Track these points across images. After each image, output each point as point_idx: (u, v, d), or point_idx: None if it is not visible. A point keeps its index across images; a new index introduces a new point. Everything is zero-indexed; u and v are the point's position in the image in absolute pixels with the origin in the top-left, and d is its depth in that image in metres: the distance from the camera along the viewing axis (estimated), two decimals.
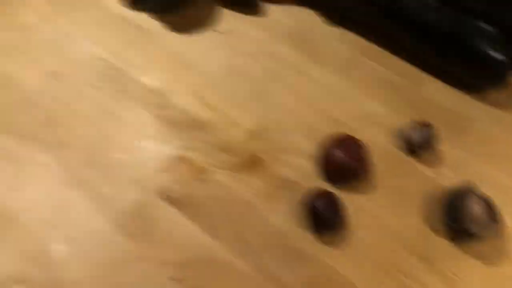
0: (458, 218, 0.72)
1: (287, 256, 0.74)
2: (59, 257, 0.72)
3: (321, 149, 0.82)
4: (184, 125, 0.86)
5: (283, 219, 0.77)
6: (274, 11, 1.00)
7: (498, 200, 0.74)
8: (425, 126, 0.82)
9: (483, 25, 0.83)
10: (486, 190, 0.74)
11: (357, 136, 0.81)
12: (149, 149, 0.82)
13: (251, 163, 0.82)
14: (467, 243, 0.74)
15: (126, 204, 0.77)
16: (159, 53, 0.95)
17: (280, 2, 1.02)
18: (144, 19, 0.98)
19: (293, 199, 0.78)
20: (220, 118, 0.87)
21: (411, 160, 0.83)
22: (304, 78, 0.92)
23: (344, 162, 0.78)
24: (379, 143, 0.84)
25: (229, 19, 0.99)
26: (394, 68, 0.93)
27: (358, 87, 0.91)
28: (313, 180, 0.80)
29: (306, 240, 0.75)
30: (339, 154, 0.78)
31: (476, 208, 0.71)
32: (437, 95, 0.91)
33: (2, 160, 0.80)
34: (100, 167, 0.80)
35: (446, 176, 0.81)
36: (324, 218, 0.74)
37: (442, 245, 0.75)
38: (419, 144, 0.81)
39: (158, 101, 0.88)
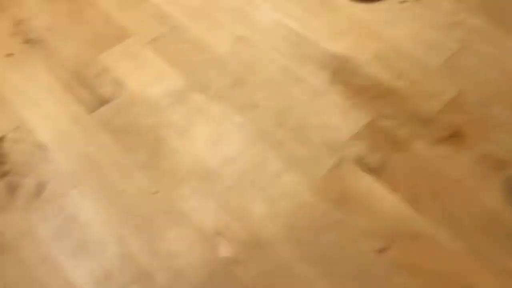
0: None
1: (505, 240, 0.67)
2: (258, 215, 0.71)
3: None
4: (374, 93, 0.82)
5: (496, 200, 0.70)
6: None
7: None
8: None
9: None
10: None
11: None
12: (340, 115, 0.79)
13: (453, 136, 0.76)
14: None
15: (321, 168, 0.75)
16: (342, 21, 0.92)
17: None
18: None
19: (503, 178, 0.71)
20: (413, 88, 0.82)
21: None
22: (500, 49, 0.84)
23: None
24: None
25: None
26: None
27: None
28: None
29: None
30: None
31: None
32: None
33: (199, 117, 0.82)
34: (292, 130, 0.79)
35: None
36: None
37: None
38: None
39: (344, 68, 0.85)
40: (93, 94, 0.85)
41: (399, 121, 0.79)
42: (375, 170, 0.74)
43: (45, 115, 0.82)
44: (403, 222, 0.69)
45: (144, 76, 0.88)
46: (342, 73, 0.84)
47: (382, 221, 0.70)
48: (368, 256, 0.66)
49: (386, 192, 0.72)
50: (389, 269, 0.65)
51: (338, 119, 0.80)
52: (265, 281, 0.64)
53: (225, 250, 0.67)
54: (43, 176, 0.75)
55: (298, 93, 0.83)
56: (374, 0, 0.92)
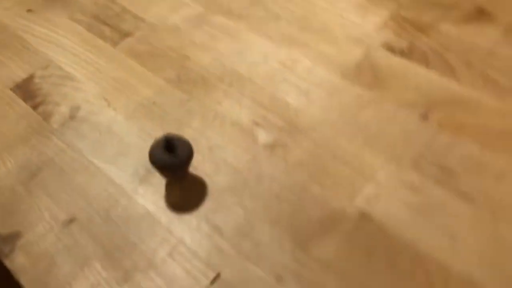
0: None
1: None
2: (293, 104, 0.70)
3: None
4: None
5: None
6: None
7: None
8: None
9: None
10: None
11: None
12: (361, 13, 0.79)
13: (478, 15, 0.76)
14: None
15: (351, 58, 0.75)
16: None
17: None
18: None
19: None
20: None
21: None
22: None
23: None
24: None
25: None
26: None
27: None
28: None
29: None
30: None
31: None
32: None
33: (222, 35, 0.82)
34: (317, 31, 0.79)
35: None
36: None
37: None
38: None
39: None
40: (115, 31, 0.86)
41: (421, 9, 0.78)
42: (405, 52, 0.73)
43: (71, 53, 0.83)
44: (441, 90, 0.68)
45: (162, 9, 0.89)
46: None
47: (419, 93, 0.69)
48: (410, 123, 0.65)
49: (419, 69, 0.71)
50: (433, 131, 0.64)
51: (360, 17, 0.79)
52: (307, 158, 0.63)
53: (264, 137, 0.67)
54: (75, 102, 0.75)
55: (317, 0, 0.83)
56: None
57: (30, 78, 0.79)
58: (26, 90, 0.77)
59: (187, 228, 0.59)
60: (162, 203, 0.62)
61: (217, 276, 0.55)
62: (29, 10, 0.93)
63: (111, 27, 0.87)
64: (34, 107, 0.75)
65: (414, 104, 0.67)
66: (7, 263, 0.58)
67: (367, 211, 0.58)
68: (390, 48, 0.74)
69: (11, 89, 0.78)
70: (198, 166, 0.64)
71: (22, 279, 0.57)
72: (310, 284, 0.53)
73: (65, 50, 0.84)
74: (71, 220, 0.61)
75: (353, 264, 0.54)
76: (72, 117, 0.73)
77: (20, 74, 0.80)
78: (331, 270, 0.53)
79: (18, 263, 0.58)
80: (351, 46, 0.76)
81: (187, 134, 0.68)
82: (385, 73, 0.72)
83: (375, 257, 0.54)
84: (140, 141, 0.69)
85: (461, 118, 0.65)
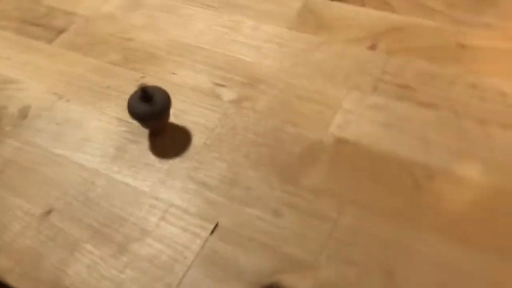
0: None
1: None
2: (249, 61, 0.72)
3: None
4: None
5: None
6: None
7: None
8: None
9: None
10: None
11: None
12: None
13: None
14: None
15: (292, 10, 0.77)
16: None
17: None
18: None
19: None
20: None
21: None
22: None
23: None
24: None
25: None
26: None
27: None
28: None
29: None
30: None
31: None
32: None
33: (161, 14, 0.82)
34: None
35: None
36: None
37: None
38: None
39: None
40: (47, 29, 0.83)
41: None
42: None
43: (4, 58, 0.79)
44: (382, 22, 0.73)
45: (92, 1, 0.87)
46: None
47: (363, 29, 0.72)
48: (361, 55, 0.69)
49: (357, 9, 0.75)
50: (384, 57, 0.68)
51: None
52: (274, 105, 0.64)
53: (228, 95, 0.67)
54: (24, 102, 0.72)
55: None
56: None
57: None
58: None
59: (173, 191, 0.58)
60: (141, 174, 0.60)
61: (216, 226, 0.55)
62: None
63: (42, 26, 0.84)
64: None
65: (360, 39, 0.71)
66: None
67: (342, 136, 0.60)
68: None
69: None
70: (171, 133, 0.64)
71: (10, 280, 0.54)
72: (306, 211, 0.54)
73: None
74: (48, 212, 0.58)
75: (342, 185, 0.55)
76: (23, 117, 0.70)
77: None
78: (322, 194, 0.55)
79: (1, 266, 0.54)
80: (289, 1, 0.78)
81: None
82: (327, 17, 0.75)
83: (360, 173, 0.56)
84: (102, 124, 0.67)
85: (405, 43, 0.69)
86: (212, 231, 0.54)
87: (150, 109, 0.58)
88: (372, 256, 0.49)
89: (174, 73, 0.72)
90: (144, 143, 0.63)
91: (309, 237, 0.52)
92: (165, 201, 0.57)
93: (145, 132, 0.65)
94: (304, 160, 0.59)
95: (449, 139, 0.58)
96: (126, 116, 0.67)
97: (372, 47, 0.70)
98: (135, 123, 0.66)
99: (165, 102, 0.59)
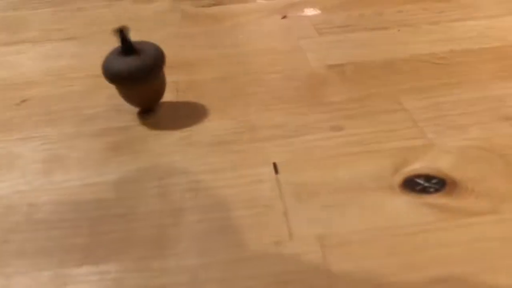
0: None
1: None
2: None
3: None
4: None
5: None
6: None
7: None
8: None
9: None
10: None
11: None
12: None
13: None
14: None
15: None
16: None
17: None
18: None
19: None
20: None
21: None
22: None
23: None
24: None
25: None
26: None
27: None
28: None
29: None
30: None
31: None
32: None
33: None
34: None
35: None
36: None
37: None
38: None
39: None
40: None
41: None
42: None
43: None
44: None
45: None
46: None
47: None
48: (282, 22, 0.64)
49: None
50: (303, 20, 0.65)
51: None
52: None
53: None
54: None
55: None
56: None
57: None
58: None
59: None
60: (136, 163, 0.39)
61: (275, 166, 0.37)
62: None
63: None
64: None
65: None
66: None
67: (332, 63, 0.52)
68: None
69: None
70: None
71: None
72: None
73: None
74: None
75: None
76: None
77: None
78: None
79: None
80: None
81: None
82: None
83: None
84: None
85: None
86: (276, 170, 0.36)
87: (135, 63, 0.41)
88: None
89: None
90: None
91: None
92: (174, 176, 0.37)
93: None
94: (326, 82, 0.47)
95: None
96: None
97: (284, 17, 0.66)
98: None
99: (155, 53, 0.43)
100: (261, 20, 0.66)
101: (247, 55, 0.56)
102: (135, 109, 0.47)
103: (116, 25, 0.68)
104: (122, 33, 0.41)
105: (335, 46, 0.56)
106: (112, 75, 0.42)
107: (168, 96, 0.49)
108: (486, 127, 0.40)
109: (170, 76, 0.53)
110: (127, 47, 0.42)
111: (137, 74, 0.41)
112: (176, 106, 0.47)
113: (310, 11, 0.68)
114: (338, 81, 0.49)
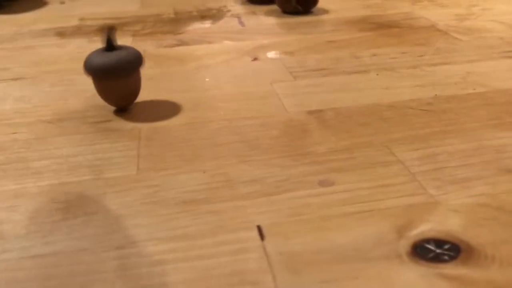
0: None
1: None
2: None
3: None
4: None
5: None
6: None
7: None
8: None
9: None
10: None
11: None
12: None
13: None
14: None
15: None
16: None
17: None
18: None
19: None
20: None
21: None
22: None
23: None
24: None
25: None
26: None
27: None
28: None
29: None
30: None
31: None
32: None
33: None
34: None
35: None
36: None
37: None
38: None
39: None
40: None
41: None
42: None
43: None
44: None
45: None
46: None
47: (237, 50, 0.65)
48: (254, 64, 0.60)
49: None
50: (275, 61, 0.61)
51: None
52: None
53: None
54: None
55: None
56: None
57: None
58: None
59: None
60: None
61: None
62: None
63: None
64: None
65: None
66: None
67: (308, 109, 0.48)
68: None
69: None
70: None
71: None
72: None
73: None
74: None
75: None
76: None
77: None
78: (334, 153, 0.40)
79: None
80: None
81: None
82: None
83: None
84: None
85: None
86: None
87: (116, 57, 0.45)
88: None
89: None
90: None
91: None
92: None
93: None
94: (297, 136, 0.43)
95: None
96: None
97: (255, 59, 0.62)
98: None
99: (135, 52, 0.47)
100: (230, 62, 0.62)
101: (217, 99, 0.51)
102: (91, 161, 0.40)
103: (69, 65, 0.63)
104: (109, 31, 0.46)
105: (312, 91, 0.52)
106: (95, 68, 0.45)
107: (129, 144, 0.43)
108: (489, 181, 0.36)
109: (132, 122, 0.47)
110: (110, 44, 0.46)
111: (119, 66, 0.45)
112: (139, 156, 0.41)
113: (281, 54, 0.64)
114: (320, 129, 0.44)
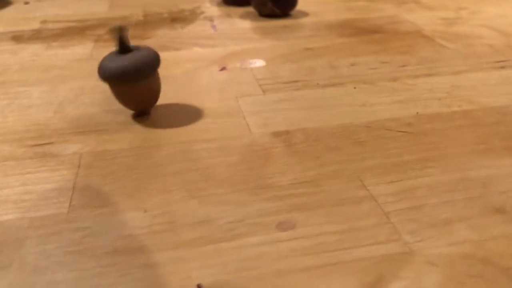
0: None
1: None
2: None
3: None
4: None
5: None
6: None
7: None
8: None
9: None
10: None
11: None
12: None
13: None
14: None
15: None
16: None
17: None
18: None
19: None
20: None
21: None
22: None
23: None
24: None
25: None
26: None
27: None
28: None
29: None
30: None
31: None
32: None
33: None
34: None
35: None
36: None
37: None
38: None
39: None
40: None
41: None
42: None
43: None
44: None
45: None
46: None
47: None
48: (221, 74, 0.55)
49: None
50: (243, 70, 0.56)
51: None
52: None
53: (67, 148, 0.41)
54: None
55: None
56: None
57: None
58: None
59: None
60: None
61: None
62: None
63: None
64: None
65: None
66: None
67: (274, 130, 0.42)
68: None
69: None
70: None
71: None
72: None
73: None
74: None
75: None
76: None
77: None
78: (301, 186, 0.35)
79: None
80: None
81: None
82: None
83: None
84: None
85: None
86: None
87: (132, 60, 0.42)
88: None
89: None
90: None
91: None
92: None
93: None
94: (258, 164, 0.37)
95: None
96: None
97: (223, 69, 0.57)
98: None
99: (152, 52, 0.44)
100: (197, 72, 0.56)
101: (174, 116, 0.46)
102: (20, 196, 0.35)
103: (18, 75, 0.57)
104: (121, 32, 0.42)
105: (282, 107, 0.47)
106: (111, 73, 0.41)
107: (66, 174, 0.37)
108: (474, 223, 0.31)
109: (75, 144, 0.41)
110: (124, 46, 0.43)
111: (137, 69, 0.41)
112: (74, 189, 0.36)
113: (253, 63, 0.58)
114: (285, 155, 0.39)
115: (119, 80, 0.42)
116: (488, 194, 0.34)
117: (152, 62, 0.43)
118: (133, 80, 0.42)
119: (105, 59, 0.43)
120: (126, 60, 0.42)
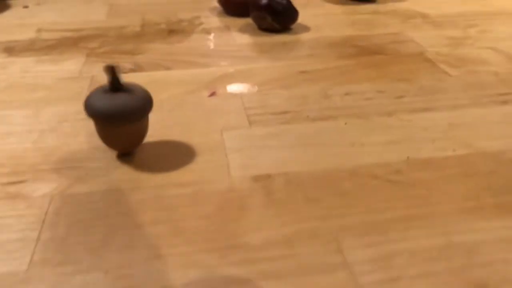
0: None
1: None
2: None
3: None
4: None
5: None
6: None
7: None
8: None
9: None
10: None
11: None
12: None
13: None
14: None
15: None
16: None
17: None
18: None
19: None
20: None
21: None
22: None
23: None
24: None
25: None
26: None
27: None
28: None
29: None
30: None
31: None
32: None
33: None
34: None
35: None
36: None
37: None
38: None
39: None
40: None
41: None
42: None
43: None
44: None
45: None
46: None
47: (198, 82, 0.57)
48: (210, 101, 0.53)
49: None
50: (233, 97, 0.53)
51: None
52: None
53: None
54: None
55: None
56: None
57: None
58: None
59: None
60: None
61: None
62: None
63: None
64: None
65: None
66: None
67: (255, 173, 0.40)
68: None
69: None
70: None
71: None
72: None
73: None
74: None
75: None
76: None
77: None
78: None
79: None
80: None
81: None
82: None
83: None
84: None
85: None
86: None
87: (121, 102, 0.39)
88: None
89: None
90: None
91: None
92: None
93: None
94: (230, 215, 0.36)
95: None
96: None
97: (212, 94, 0.55)
98: None
99: (144, 95, 0.41)
100: (184, 97, 0.55)
101: (155, 156, 0.44)
102: None
103: (7, 94, 0.56)
104: (112, 70, 0.40)
105: (266, 145, 0.45)
106: (98, 112, 0.39)
107: (33, 222, 0.36)
108: None
109: (48, 183, 0.40)
110: (116, 85, 0.40)
111: (125, 113, 0.39)
112: (38, 240, 0.34)
113: (243, 87, 0.56)
114: (263, 205, 0.37)
115: (104, 121, 0.40)
116: (472, 265, 0.31)
117: (143, 107, 0.40)
118: (119, 123, 0.40)
119: (93, 94, 0.41)
120: (115, 101, 0.39)
